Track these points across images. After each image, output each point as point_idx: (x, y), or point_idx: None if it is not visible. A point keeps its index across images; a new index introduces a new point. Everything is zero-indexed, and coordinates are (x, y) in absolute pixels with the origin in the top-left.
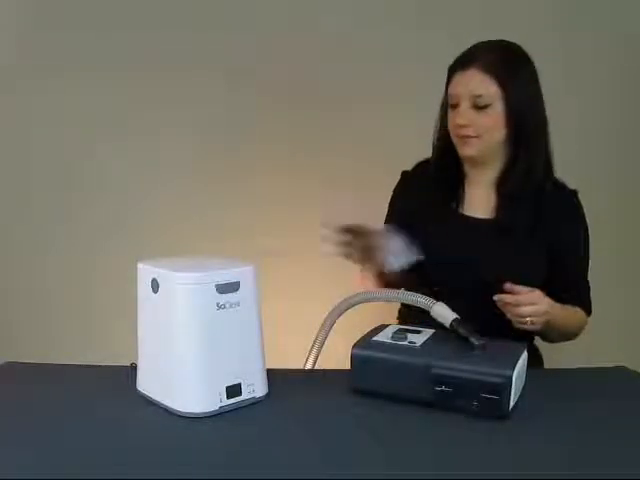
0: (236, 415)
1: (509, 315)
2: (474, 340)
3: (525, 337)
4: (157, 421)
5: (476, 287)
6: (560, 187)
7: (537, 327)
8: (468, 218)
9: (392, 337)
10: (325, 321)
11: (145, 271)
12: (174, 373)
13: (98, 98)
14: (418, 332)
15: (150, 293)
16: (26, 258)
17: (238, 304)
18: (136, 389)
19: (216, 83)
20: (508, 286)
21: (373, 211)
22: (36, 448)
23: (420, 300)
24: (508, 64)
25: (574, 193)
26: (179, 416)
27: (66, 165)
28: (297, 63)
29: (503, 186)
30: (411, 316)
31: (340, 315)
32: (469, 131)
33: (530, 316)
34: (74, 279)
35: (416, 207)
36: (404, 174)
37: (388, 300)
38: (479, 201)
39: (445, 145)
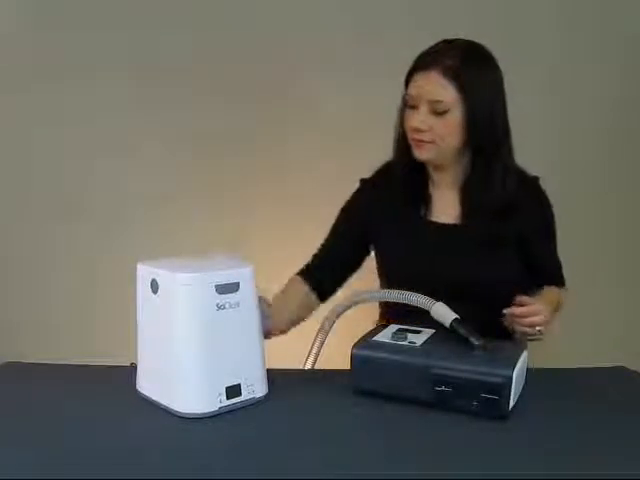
0: (236, 415)
1: (517, 328)
2: (474, 340)
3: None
4: (157, 421)
5: (451, 295)
6: (521, 176)
7: (542, 337)
8: (436, 225)
9: (392, 337)
10: (325, 321)
11: (145, 271)
12: (174, 373)
13: (98, 98)
14: (418, 332)
15: (150, 293)
16: (26, 258)
17: (238, 304)
18: (136, 389)
19: (216, 84)
20: (518, 300)
21: None
22: (36, 448)
23: (420, 300)
24: (471, 69)
25: (536, 179)
26: (179, 416)
27: (66, 165)
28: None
29: (465, 192)
30: (396, 316)
31: (340, 315)
32: (424, 136)
33: (539, 325)
34: (74, 279)
35: (381, 216)
36: (363, 182)
37: (388, 300)
38: (445, 205)
39: (406, 144)
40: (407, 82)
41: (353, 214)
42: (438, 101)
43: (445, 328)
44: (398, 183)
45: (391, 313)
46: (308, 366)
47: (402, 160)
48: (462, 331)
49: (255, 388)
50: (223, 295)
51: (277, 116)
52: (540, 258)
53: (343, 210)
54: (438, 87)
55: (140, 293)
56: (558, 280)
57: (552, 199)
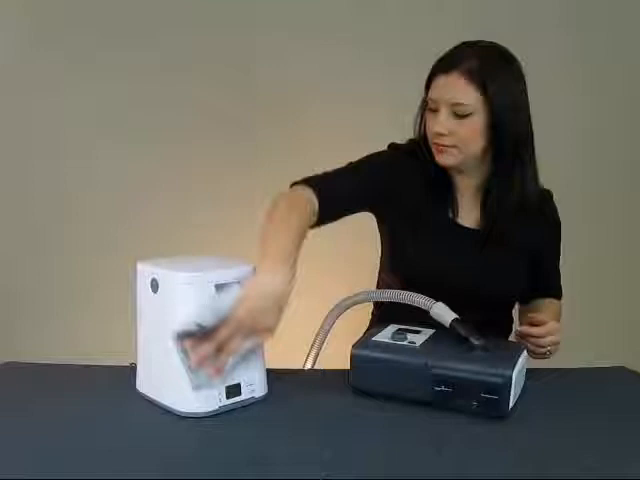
0: (236, 415)
1: (530, 347)
2: (474, 340)
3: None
4: (157, 421)
5: (463, 297)
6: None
7: (550, 356)
8: (463, 228)
9: (392, 337)
10: (325, 321)
11: (145, 271)
12: (174, 373)
13: (98, 98)
14: (418, 332)
15: (150, 293)
16: (26, 258)
17: None
18: (136, 389)
19: (214, 83)
20: (531, 318)
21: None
22: (36, 448)
23: (420, 300)
24: (492, 71)
25: (549, 194)
26: (179, 416)
27: (66, 165)
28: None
29: (485, 196)
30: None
31: (340, 315)
32: (445, 140)
33: (549, 346)
34: (74, 279)
35: (408, 206)
36: (395, 149)
37: (388, 300)
38: (467, 209)
39: (428, 149)
40: (428, 86)
41: (383, 167)
42: (459, 104)
43: (445, 328)
44: (428, 178)
45: (383, 316)
46: (308, 366)
47: (425, 165)
48: (462, 331)
49: (255, 388)
50: (223, 294)
51: (277, 115)
52: (547, 272)
53: (371, 161)
54: (458, 89)
55: (140, 292)
56: (557, 292)
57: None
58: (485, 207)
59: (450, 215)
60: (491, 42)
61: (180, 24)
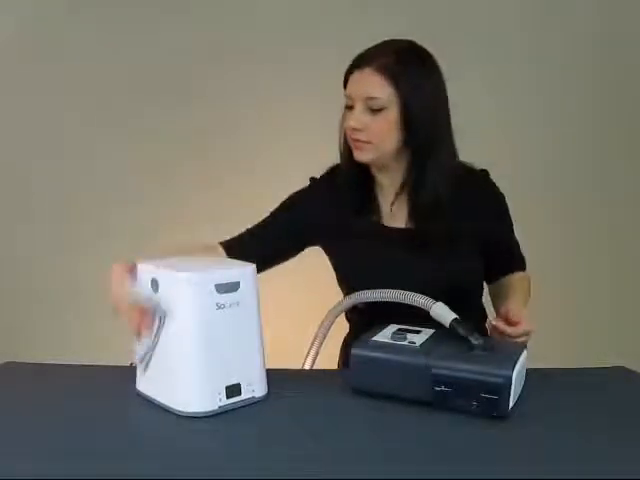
0: (236, 415)
1: (495, 337)
2: (474, 340)
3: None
4: (157, 421)
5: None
6: (470, 172)
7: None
8: (388, 230)
9: (392, 337)
10: (323, 321)
11: (145, 271)
12: (174, 373)
13: (98, 98)
14: (418, 332)
15: (150, 293)
16: (26, 258)
17: (238, 304)
18: (136, 389)
19: (215, 82)
20: (506, 312)
21: None
22: (36, 448)
23: (419, 300)
24: (406, 66)
25: (484, 173)
26: (179, 416)
27: (66, 165)
28: None
29: (405, 193)
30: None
31: (338, 315)
32: (361, 136)
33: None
34: (74, 279)
35: (332, 222)
36: (313, 181)
37: (387, 300)
38: (394, 209)
39: (348, 147)
40: (345, 82)
41: (298, 209)
42: (372, 98)
43: (444, 328)
44: (345, 188)
45: (358, 322)
46: (307, 366)
47: (346, 163)
48: (462, 331)
49: (255, 388)
50: (223, 294)
51: (277, 115)
52: (504, 249)
53: (287, 203)
54: (372, 84)
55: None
56: (520, 264)
57: (553, 198)
58: (410, 204)
59: (374, 219)
60: (409, 40)
61: (181, 26)
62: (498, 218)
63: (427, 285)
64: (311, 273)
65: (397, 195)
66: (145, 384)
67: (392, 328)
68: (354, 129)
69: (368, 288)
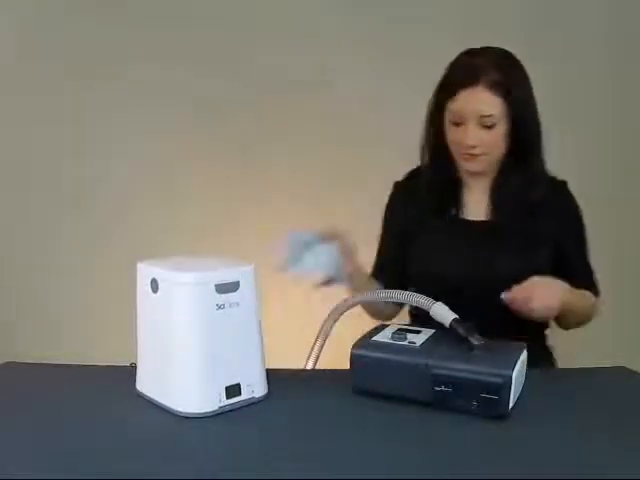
0: (236, 415)
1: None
2: (474, 340)
3: (539, 337)
4: (157, 421)
5: (484, 291)
6: (552, 180)
7: (553, 312)
8: (469, 222)
9: (392, 337)
10: (325, 321)
11: (145, 271)
12: (174, 373)
13: (98, 98)
14: (418, 332)
15: (150, 293)
16: (26, 258)
17: (238, 304)
18: (136, 389)
19: (216, 82)
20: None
21: (377, 210)
22: (36, 448)
23: (420, 300)
24: (513, 78)
25: (564, 184)
26: (179, 416)
27: (66, 165)
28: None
29: (501, 190)
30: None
31: (341, 315)
32: (475, 150)
33: (542, 310)
34: (74, 279)
35: (416, 217)
36: (397, 185)
37: (388, 300)
38: (476, 204)
39: (439, 152)
40: (447, 97)
41: (393, 217)
42: (487, 115)
43: (445, 328)
44: (432, 189)
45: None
46: (309, 366)
47: (440, 172)
48: (462, 331)
49: (255, 388)
50: (223, 294)
51: (278, 115)
52: (570, 261)
53: (385, 215)
54: (486, 102)
55: (140, 292)
56: (588, 287)
57: None
58: (496, 199)
59: (453, 212)
60: (500, 48)
61: (181, 25)
62: (572, 231)
63: (509, 277)
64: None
65: (484, 194)
66: (145, 384)
67: (392, 328)
68: (469, 146)
69: (438, 278)
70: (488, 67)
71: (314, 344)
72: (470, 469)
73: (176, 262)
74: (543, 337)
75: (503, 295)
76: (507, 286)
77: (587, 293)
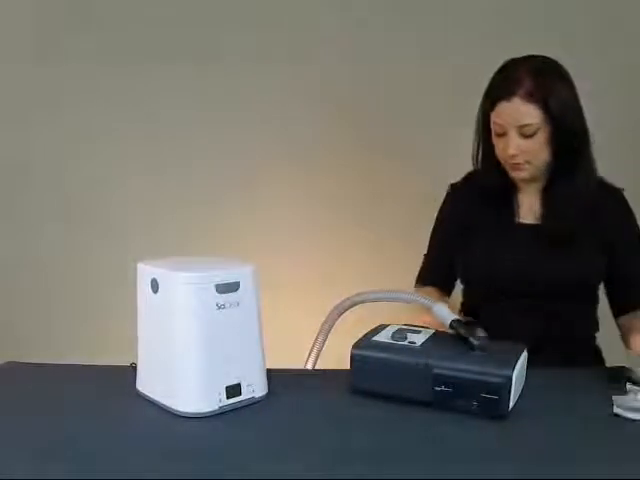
0: (236, 415)
1: None
2: (474, 340)
3: (589, 340)
4: (157, 421)
5: (536, 293)
6: (606, 186)
7: None
8: (523, 226)
9: (392, 337)
10: (325, 321)
11: (145, 271)
12: (174, 373)
13: (97, 98)
14: (418, 332)
15: (150, 293)
16: (26, 258)
17: (238, 304)
18: (136, 389)
19: (217, 82)
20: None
21: (381, 210)
22: (36, 448)
23: (420, 300)
24: (550, 85)
25: (620, 191)
26: (179, 416)
27: (66, 165)
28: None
29: (552, 194)
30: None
31: (340, 315)
32: (519, 159)
33: None
34: (74, 279)
35: (473, 220)
36: (453, 187)
37: (388, 300)
38: (529, 208)
39: (490, 160)
40: (489, 108)
41: (448, 218)
42: (526, 125)
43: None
44: (487, 191)
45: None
46: (309, 366)
47: (493, 177)
48: (462, 331)
49: (255, 388)
50: (223, 294)
51: (285, 115)
52: (626, 268)
53: (439, 217)
54: (523, 113)
55: (140, 293)
56: None
57: None
58: (547, 203)
59: (508, 216)
60: (540, 56)
61: (181, 24)
62: (628, 238)
63: (560, 281)
64: (313, 275)
65: (537, 198)
66: (145, 384)
67: (392, 328)
68: (512, 155)
69: (494, 280)
70: (524, 77)
71: (314, 343)
72: (470, 469)
73: (176, 262)
74: (593, 339)
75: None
76: (558, 291)
77: None
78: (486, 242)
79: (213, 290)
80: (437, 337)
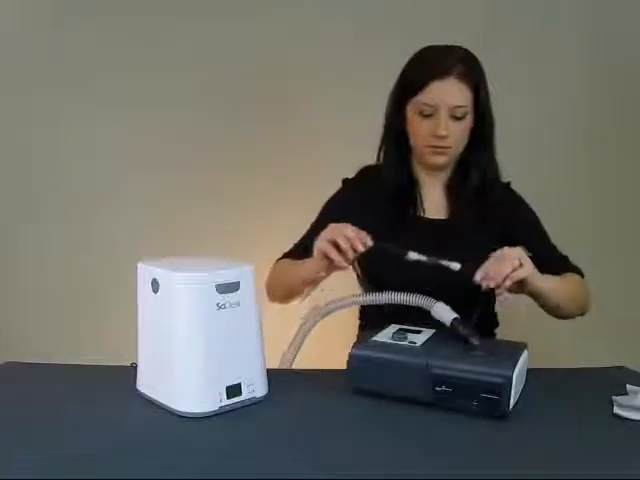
0: (236, 415)
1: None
2: (474, 340)
3: (489, 337)
4: (157, 421)
5: (444, 288)
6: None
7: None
8: (430, 221)
9: (392, 337)
10: (307, 320)
11: (145, 271)
12: (174, 373)
13: (97, 99)
14: (418, 332)
15: (150, 293)
16: (26, 258)
17: (238, 304)
18: (136, 389)
19: (218, 83)
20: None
21: None
22: (36, 448)
23: (420, 300)
24: (478, 73)
25: (508, 184)
26: (179, 416)
27: (66, 165)
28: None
29: (458, 188)
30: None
31: (327, 315)
32: (445, 142)
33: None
34: (74, 279)
35: (367, 216)
36: (346, 182)
37: (388, 302)
38: (433, 203)
39: (400, 153)
40: (410, 92)
41: (337, 212)
42: (459, 106)
43: (445, 328)
44: (388, 185)
45: (368, 319)
46: (284, 366)
47: (398, 167)
48: (462, 331)
49: (255, 388)
50: (223, 294)
51: (278, 116)
52: (536, 253)
53: (326, 207)
54: (458, 93)
55: (140, 293)
56: (566, 270)
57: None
58: (451, 197)
59: (411, 211)
60: (459, 46)
61: (181, 24)
62: (528, 228)
63: (459, 277)
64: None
65: (442, 192)
66: (145, 384)
67: (393, 328)
68: (441, 137)
69: (400, 279)
70: (456, 61)
71: (291, 344)
72: (470, 469)
73: (176, 262)
74: (493, 336)
75: (477, 278)
76: (460, 286)
77: (567, 274)
78: (394, 240)
79: (213, 290)
80: (437, 337)
